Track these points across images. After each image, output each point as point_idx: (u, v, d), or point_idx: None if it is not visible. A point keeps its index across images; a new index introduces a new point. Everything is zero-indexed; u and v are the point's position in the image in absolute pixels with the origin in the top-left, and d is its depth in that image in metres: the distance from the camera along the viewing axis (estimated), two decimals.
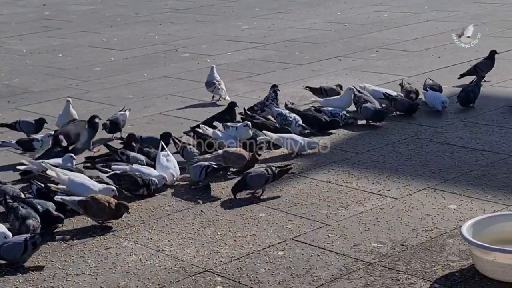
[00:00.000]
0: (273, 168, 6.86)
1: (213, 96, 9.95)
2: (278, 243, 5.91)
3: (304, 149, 7.77)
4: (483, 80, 9.70)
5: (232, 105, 8.71)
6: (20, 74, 12.21)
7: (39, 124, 8.62)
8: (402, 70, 10.81)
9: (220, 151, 7.48)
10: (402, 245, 5.75)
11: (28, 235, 5.86)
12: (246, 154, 7.43)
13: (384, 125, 8.49)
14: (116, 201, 6.43)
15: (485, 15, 14.72)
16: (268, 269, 5.52)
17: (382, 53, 12.18)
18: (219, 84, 9.90)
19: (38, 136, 8.15)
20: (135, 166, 7.20)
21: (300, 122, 8.32)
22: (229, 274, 5.48)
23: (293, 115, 8.42)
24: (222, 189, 7.03)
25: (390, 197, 6.65)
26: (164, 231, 6.25)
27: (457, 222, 6.04)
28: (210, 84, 9.94)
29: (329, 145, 7.89)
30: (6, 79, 11.90)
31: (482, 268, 5.21)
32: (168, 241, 6.07)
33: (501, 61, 11.04)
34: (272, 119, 8.65)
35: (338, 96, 9.19)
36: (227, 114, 8.58)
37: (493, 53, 9.83)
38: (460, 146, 7.75)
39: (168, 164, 7.28)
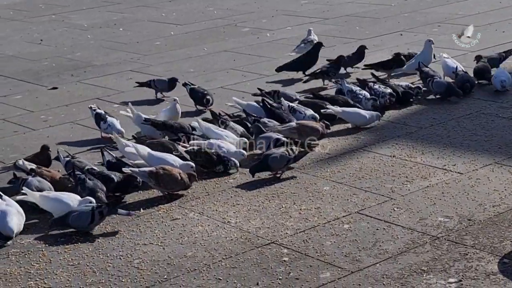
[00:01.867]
0: (294, 149, 6.80)
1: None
2: (343, 216, 5.92)
3: (369, 122, 7.74)
4: None
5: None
6: (83, 48, 12.34)
7: (172, 82, 9.21)
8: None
9: (293, 123, 7.48)
10: (469, 219, 5.71)
11: (95, 205, 5.96)
12: (320, 126, 7.43)
13: (448, 100, 8.39)
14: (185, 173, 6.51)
15: None
16: (334, 241, 5.53)
17: (444, 28, 12.02)
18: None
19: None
20: (213, 141, 7.21)
21: (368, 96, 8.26)
22: (295, 246, 5.50)
23: (363, 91, 8.36)
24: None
25: (455, 172, 6.59)
26: (229, 203, 6.29)
27: None
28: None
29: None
30: (69, 53, 12.05)
31: None
32: (234, 212, 6.11)
33: None
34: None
35: (418, 53, 9.37)
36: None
37: None
38: None
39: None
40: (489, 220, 5.68)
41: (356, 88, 8.43)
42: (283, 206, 6.16)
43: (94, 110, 7.96)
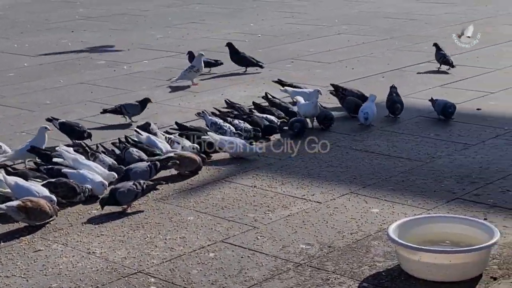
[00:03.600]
0: (141, 183, 6.80)
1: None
2: (209, 245, 6.01)
3: (247, 154, 7.92)
4: None
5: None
6: None
7: (144, 104, 9.35)
8: (318, 81, 11.05)
9: (172, 154, 7.54)
10: (330, 246, 5.93)
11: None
12: (197, 157, 7.52)
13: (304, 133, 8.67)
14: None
15: (395, 29, 15.18)
16: (201, 270, 5.61)
17: (297, 64, 12.43)
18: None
19: None
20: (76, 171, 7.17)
21: (234, 131, 8.42)
22: (162, 275, 5.54)
23: (227, 124, 8.52)
24: (148, 193, 7.06)
25: (314, 201, 6.83)
26: (93, 234, 6.26)
27: (380, 225, 6.27)
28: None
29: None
30: None
31: (408, 267, 5.43)
32: (98, 243, 6.08)
33: (410, 73, 11.49)
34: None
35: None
36: None
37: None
38: (378, 153, 8.01)
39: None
40: (347, 246, 5.92)
41: (220, 121, 8.57)
42: (148, 236, 6.19)
43: None
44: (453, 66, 11.50)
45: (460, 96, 10.08)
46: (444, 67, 11.55)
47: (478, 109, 9.54)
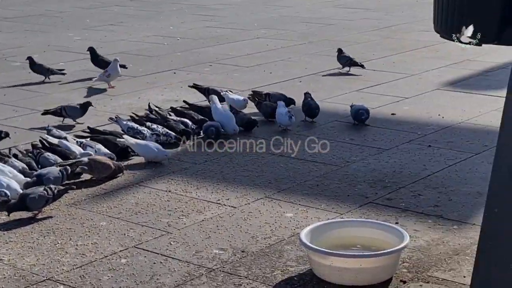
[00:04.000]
0: (52, 188, 6.64)
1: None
2: (121, 250, 5.93)
3: (158, 156, 7.87)
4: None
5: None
6: None
7: (85, 108, 9.25)
8: (236, 85, 11.05)
9: (85, 158, 7.40)
10: (243, 251, 5.92)
11: None
12: (112, 163, 7.42)
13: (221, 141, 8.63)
14: None
15: (313, 34, 15.30)
16: (112, 276, 5.53)
17: (216, 67, 12.41)
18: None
19: None
20: None
21: (151, 132, 8.40)
22: (71, 282, 5.44)
23: (145, 128, 8.47)
24: (60, 198, 6.94)
25: (229, 205, 6.81)
26: (1, 240, 6.11)
27: (294, 229, 6.29)
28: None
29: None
30: None
31: (319, 272, 5.46)
32: (6, 250, 5.94)
33: (328, 77, 11.60)
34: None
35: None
36: None
37: None
38: (294, 158, 8.05)
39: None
40: (261, 251, 5.92)
41: (136, 125, 8.50)
42: (59, 242, 6.08)
43: None
44: (363, 66, 11.66)
45: (376, 100, 10.22)
46: (354, 69, 11.71)
47: (392, 114, 9.68)
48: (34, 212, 6.55)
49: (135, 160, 7.97)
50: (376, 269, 5.35)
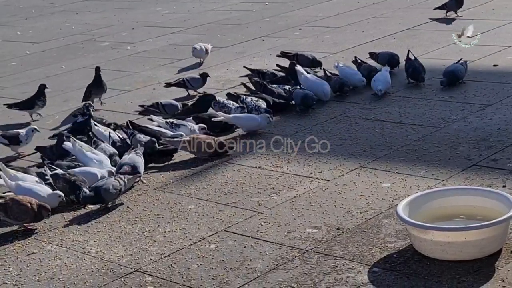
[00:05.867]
0: (123, 177, 6.39)
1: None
2: (210, 235, 5.67)
3: (261, 125, 7.65)
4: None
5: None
6: None
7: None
8: (326, 47, 10.63)
9: (186, 137, 7.23)
10: (338, 228, 5.56)
11: None
12: (213, 140, 7.14)
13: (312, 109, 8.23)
14: (37, 201, 6.10)
15: None
16: (201, 264, 5.27)
17: (305, 31, 11.99)
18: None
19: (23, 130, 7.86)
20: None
21: (237, 105, 8.15)
22: (159, 273, 5.21)
23: (231, 101, 8.21)
24: (148, 182, 6.75)
25: (322, 179, 6.45)
26: (90, 231, 5.94)
27: (392, 201, 5.88)
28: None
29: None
30: None
31: (420, 247, 5.05)
32: (94, 241, 5.77)
33: (424, 32, 11.01)
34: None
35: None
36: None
37: None
38: (390, 121, 7.60)
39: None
40: (357, 227, 5.54)
41: (223, 99, 8.22)
42: (147, 230, 5.86)
43: None
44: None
45: (476, 52, 9.60)
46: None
47: (495, 65, 9.07)
48: (106, 203, 6.34)
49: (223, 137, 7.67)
50: (483, 242, 4.89)
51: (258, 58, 10.58)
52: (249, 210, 6.02)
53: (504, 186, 5.88)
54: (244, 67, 9.67)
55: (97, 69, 9.16)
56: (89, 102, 8.48)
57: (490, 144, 6.76)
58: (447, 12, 11.42)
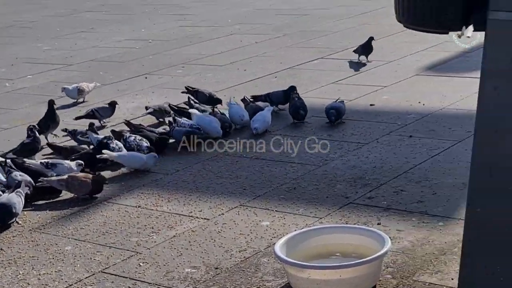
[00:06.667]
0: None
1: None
2: (86, 277, 5.56)
3: (147, 164, 7.65)
4: None
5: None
6: None
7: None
8: (209, 85, 10.66)
9: (65, 176, 7.08)
10: (216, 268, 5.56)
11: None
12: (89, 179, 7.03)
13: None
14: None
15: (288, 26, 14.94)
16: None
17: (188, 68, 12.03)
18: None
19: None
20: None
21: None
22: None
23: (118, 142, 8.08)
24: (24, 223, 6.58)
25: (202, 218, 6.45)
26: None
27: (271, 239, 5.93)
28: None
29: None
30: None
31: (297, 285, 5.10)
32: None
33: (304, 71, 11.23)
34: None
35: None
36: None
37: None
38: (269, 160, 7.69)
39: None
40: (235, 266, 5.56)
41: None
42: (21, 273, 5.69)
43: None
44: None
45: (354, 91, 9.87)
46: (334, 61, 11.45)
47: (371, 104, 9.33)
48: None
49: (105, 174, 7.57)
50: (357, 279, 4.99)
51: (141, 95, 10.54)
52: (128, 250, 5.94)
53: (378, 224, 6.03)
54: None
55: (51, 103, 8.99)
56: (34, 124, 8.40)
57: (366, 182, 6.93)
58: (359, 56, 11.58)
